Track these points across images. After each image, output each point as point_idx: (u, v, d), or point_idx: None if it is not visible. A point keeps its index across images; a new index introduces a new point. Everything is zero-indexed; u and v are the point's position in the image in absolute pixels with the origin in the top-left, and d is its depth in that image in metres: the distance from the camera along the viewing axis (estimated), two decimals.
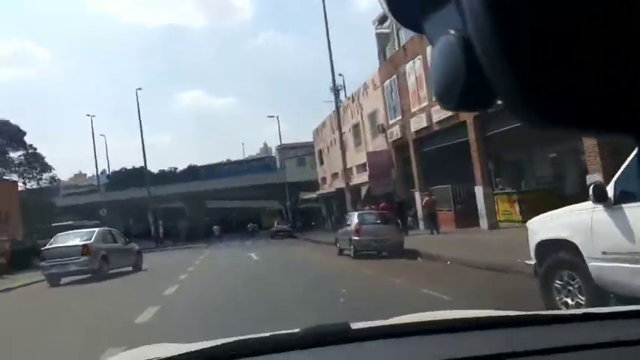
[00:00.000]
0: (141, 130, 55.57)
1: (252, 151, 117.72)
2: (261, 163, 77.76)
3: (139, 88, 55.84)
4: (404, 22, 0.56)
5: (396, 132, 26.05)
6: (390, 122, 26.85)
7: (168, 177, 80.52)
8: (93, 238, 15.85)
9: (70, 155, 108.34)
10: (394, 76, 25.32)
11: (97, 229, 17.42)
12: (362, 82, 32.35)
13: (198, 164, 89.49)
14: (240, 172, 66.85)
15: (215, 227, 46.78)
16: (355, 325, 1.26)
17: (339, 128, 25.85)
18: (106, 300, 11.16)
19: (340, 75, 64.05)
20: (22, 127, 33.91)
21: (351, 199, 25.46)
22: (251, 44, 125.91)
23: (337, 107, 26.63)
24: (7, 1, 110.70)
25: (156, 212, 57.74)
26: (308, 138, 66.75)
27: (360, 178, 31.50)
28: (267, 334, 1.29)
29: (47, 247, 15.92)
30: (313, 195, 45.77)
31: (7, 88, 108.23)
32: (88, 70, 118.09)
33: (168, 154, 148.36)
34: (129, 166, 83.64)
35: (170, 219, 68.06)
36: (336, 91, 25.49)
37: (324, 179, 44.88)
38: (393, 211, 21.51)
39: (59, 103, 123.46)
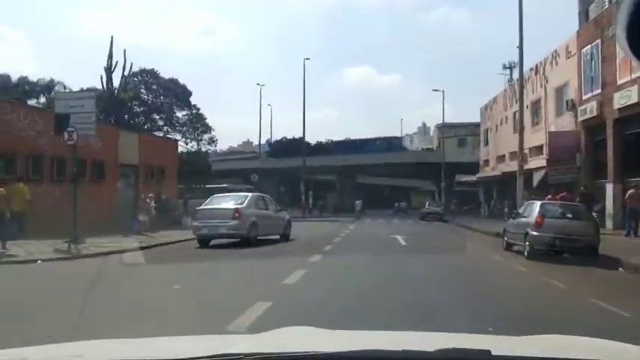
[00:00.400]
0: (304, 101, 55.70)
1: (411, 129, 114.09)
2: (385, 143, 74.77)
3: (307, 58, 56.00)
4: None
5: (590, 109, 21.05)
6: (584, 97, 21.83)
7: (324, 148, 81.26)
8: (245, 203, 15.31)
9: (242, 124, 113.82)
10: (597, 41, 20.26)
11: (250, 194, 16.87)
12: (547, 53, 27.30)
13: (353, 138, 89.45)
14: (368, 150, 65.38)
15: (357, 202, 45.01)
16: (497, 351, 1.24)
17: (521, 99, 21.53)
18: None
19: (518, 47, 57.52)
20: (189, 88, 35.00)
21: (522, 186, 21.26)
22: (423, 20, 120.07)
23: (521, 73, 22.24)
24: None
25: (308, 182, 57.99)
26: (470, 119, 61.99)
27: (534, 162, 26.83)
28: (400, 349, 1.31)
29: (201, 207, 15.64)
30: (472, 178, 41.35)
31: (193, 60, 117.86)
32: (265, 43, 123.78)
33: (331, 127, 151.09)
34: (290, 137, 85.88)
35: (321, 190, 68.45)
36: (521, 53, 21.13)
37: (486, 162, 40.18)
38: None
39: (236, 75, 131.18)
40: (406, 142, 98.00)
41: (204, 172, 33.47)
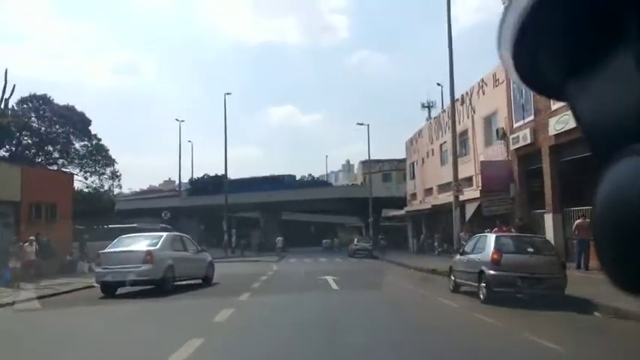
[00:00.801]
0: (225, 135, 53.58)
1: (336, 167, 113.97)
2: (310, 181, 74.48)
3: (228, 93, 53.66)
4: (539, 89, 0.57)
5: (523, 136, 20.06)
6: (515, 125, 20.89)
7: (247, 184, 78.32)
8: (159, 244, 13.60)
9: (163, 163, 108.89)
10: None
11: (165, 234, 15.06)
12: (473, 83, 26.67)
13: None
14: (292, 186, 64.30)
15: (278, 239, 42.52)
16: None
17: (453, 126, 20.15)
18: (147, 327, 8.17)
19: (439, 85, 58.53)
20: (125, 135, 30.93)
21: (459, 217, 19.69)
22: (345, 63, 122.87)
23: (453, 97, 20.90)
24: (122, 14, 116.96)
25: (230, 220, 54.71)
26: (393, 156, 62.07)
27: (466, 194, 25.70)
28: None
29: (106, 250, 13.66)
30: (401, 212, 40.05)
31: (112, 95, 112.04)
32: (189, 82, 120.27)
33: (256, 166, 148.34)
34: (213, 174, 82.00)
35: (245, 228, 65.06)
36: (452, 79, 19.83)
37: (413, 195, 39.12)
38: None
39: (159, 113, 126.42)
40: (331, 179, 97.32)
41: (106, 210, 29.16)
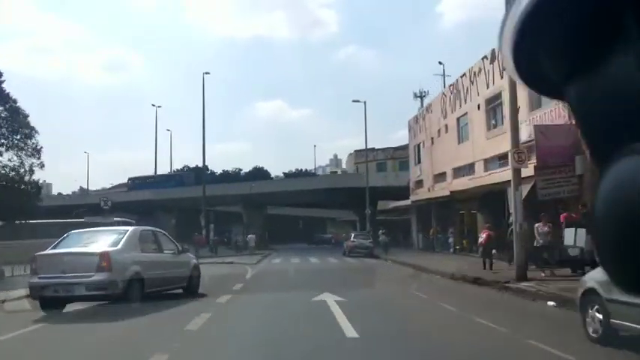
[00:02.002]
0: (203, 120, 46.21)
1: (324, 162, 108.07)
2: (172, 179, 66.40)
3: (207, 72, 47.09)
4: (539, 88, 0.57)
5: None
6: None
7: (232, 178, 71.65)
8: (122, 243, 9.79)
9: (145, 157, 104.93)
10: None
11: (130, 229, 10.95)
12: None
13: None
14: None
15: (250, 237, 36.23)
16: None
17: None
18: None
19: (440, 63, 52.34)
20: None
21: (520, 202, 13.29)
22: (334, 58, 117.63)
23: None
24: (108, 8, 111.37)
25: (208, 215, 48.10)
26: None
27: (494, 176, 19.51)
28: None
29: (45, 252, 9.98)
30: (405, 202, 33.69)
31: (100, 92, 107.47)
32: (176, 75, 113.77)
33: (243, 160, 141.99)
34: (193, 166, 75.09)
35: (225, 224, 58.23)
36: None
37: (419, 183, 32.82)
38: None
39: (146, 109, 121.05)
40: (319, 173, 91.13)
41: (28, 197, 21.61)
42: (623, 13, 0.46)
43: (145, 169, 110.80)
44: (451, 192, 22.87)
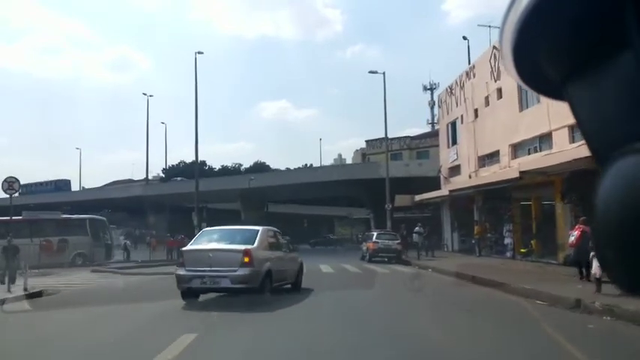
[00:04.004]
0: (196, 102, 39.41)
1: (328, 161, 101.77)
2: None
3: (200, 52, 40.49)
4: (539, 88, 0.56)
5: None
6: None
7: (231, 174, 64.93)
8: (256, 241, 10.15)
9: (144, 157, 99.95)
10: None
11: (261, 229, 10.91)
12: None
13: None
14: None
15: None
16: None
17: None
18: None
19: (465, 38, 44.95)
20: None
21: None
22: (339, 57, 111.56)
23: None
24: (113, 8, 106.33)
25: (202, 213, 41.19)
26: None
27: (570, 153, 12.62)
28: None
29: (189, 248, 10.42)
30: (437, 194, 26.68)
31: (106, 92, 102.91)
32: (181, 76, 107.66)
33: (246, 159, 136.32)
34: (190, 161, 68.20)
35: (221, 223, 51.12)
36: None
37: (454, 169, 25.87)
38: None
39: (152, 109, 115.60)
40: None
41: None
42: (623, 13, 0.45)
43: (143, 168, 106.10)
44: (521, 173, 15.88)
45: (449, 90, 26.59)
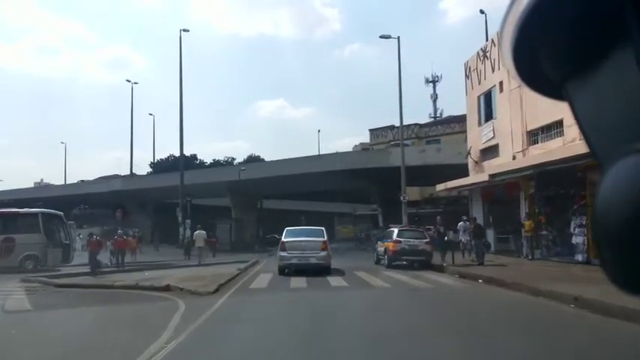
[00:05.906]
0: (180, 83, 34.37)
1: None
2: None
3: (186, 30, 35.65)
4: (539, 88, 0.56)
5: None
6: None
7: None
8: (325, 235, 16.10)
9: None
10: None
11: (322, 228, 16.72)
12: None
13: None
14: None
15: (197, 232, 23.83)
16: None
17: None
18: None
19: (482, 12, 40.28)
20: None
21: None
22: (337, 56, 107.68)
23: None
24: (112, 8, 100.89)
25: (186, 209, 36.15)
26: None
27: None
28: None
29: (288, 239, 15.53)
30: (465, 181, 21.46)
31: (104, 91, 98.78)
32: (177, 75, 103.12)
33: (238, 155, 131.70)
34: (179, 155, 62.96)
35: (210, 219, 45.67)
36: None
37: (488, 151, 20.77)
38: None
39: (151, 107, 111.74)
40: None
41: None
42: (623, 13, 0.45)
43: (143, 167, 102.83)
44: (567, 156, 10.90)
45: (480, 54, 21.40)
